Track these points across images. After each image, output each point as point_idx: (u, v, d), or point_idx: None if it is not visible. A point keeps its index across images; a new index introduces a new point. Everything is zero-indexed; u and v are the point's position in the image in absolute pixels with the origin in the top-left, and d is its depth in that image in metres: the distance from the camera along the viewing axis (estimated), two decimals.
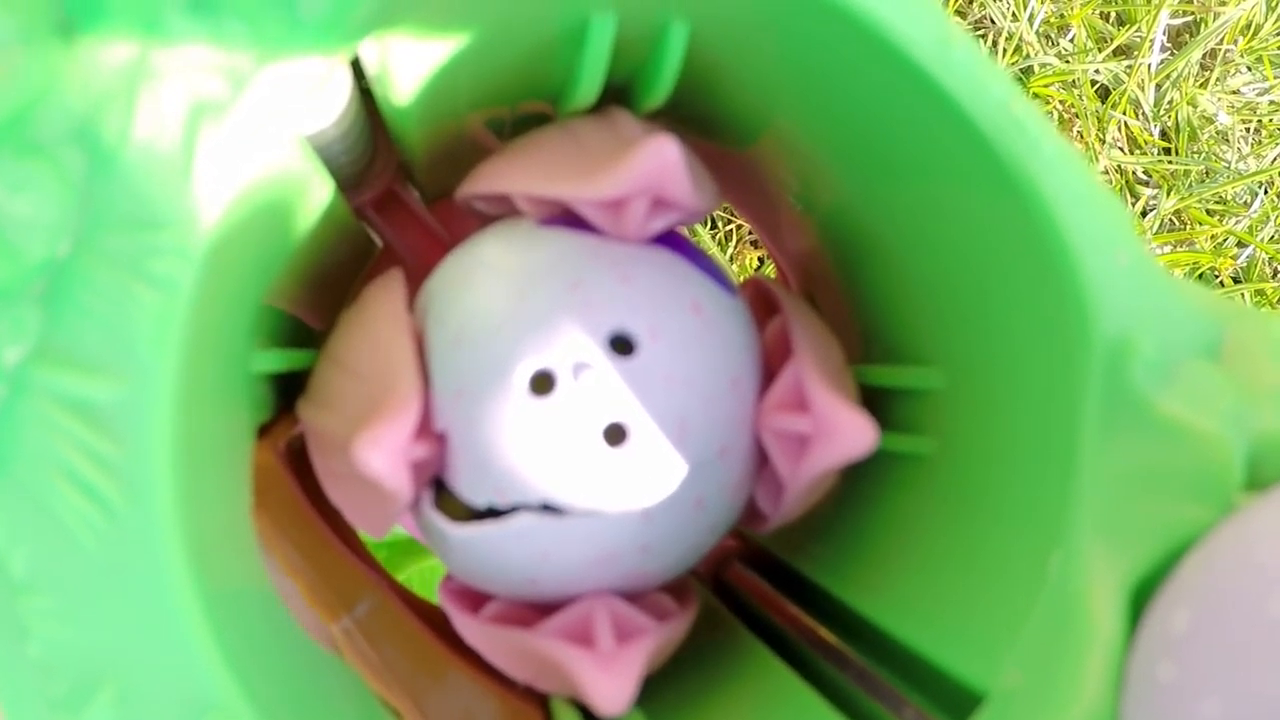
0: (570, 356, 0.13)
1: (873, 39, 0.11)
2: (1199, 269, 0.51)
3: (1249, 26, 0.52)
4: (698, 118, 0.16)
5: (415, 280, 0.15)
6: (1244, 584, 0.09)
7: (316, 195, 0.14)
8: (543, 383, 0.13)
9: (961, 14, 0.49)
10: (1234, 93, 0.52)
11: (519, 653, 0.14)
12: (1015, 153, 0.11)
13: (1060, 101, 0.50)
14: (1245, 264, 0.52)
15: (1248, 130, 0.53)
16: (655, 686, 0.15)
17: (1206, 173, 0.51)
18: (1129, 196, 0.50)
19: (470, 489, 0.13)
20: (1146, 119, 0.51)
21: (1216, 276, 0.51)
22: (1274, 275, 0.52)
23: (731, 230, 0.45)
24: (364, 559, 0.17)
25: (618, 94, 0.15)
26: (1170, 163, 0.51)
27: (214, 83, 0.10)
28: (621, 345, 0.13)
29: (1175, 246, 0.51)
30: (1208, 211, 0.51)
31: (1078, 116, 0.50)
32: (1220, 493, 0.10)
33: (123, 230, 0.10)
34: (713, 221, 0.44)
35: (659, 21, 0.13)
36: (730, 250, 0.45)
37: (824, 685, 0.14)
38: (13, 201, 0.10)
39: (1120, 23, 0.52)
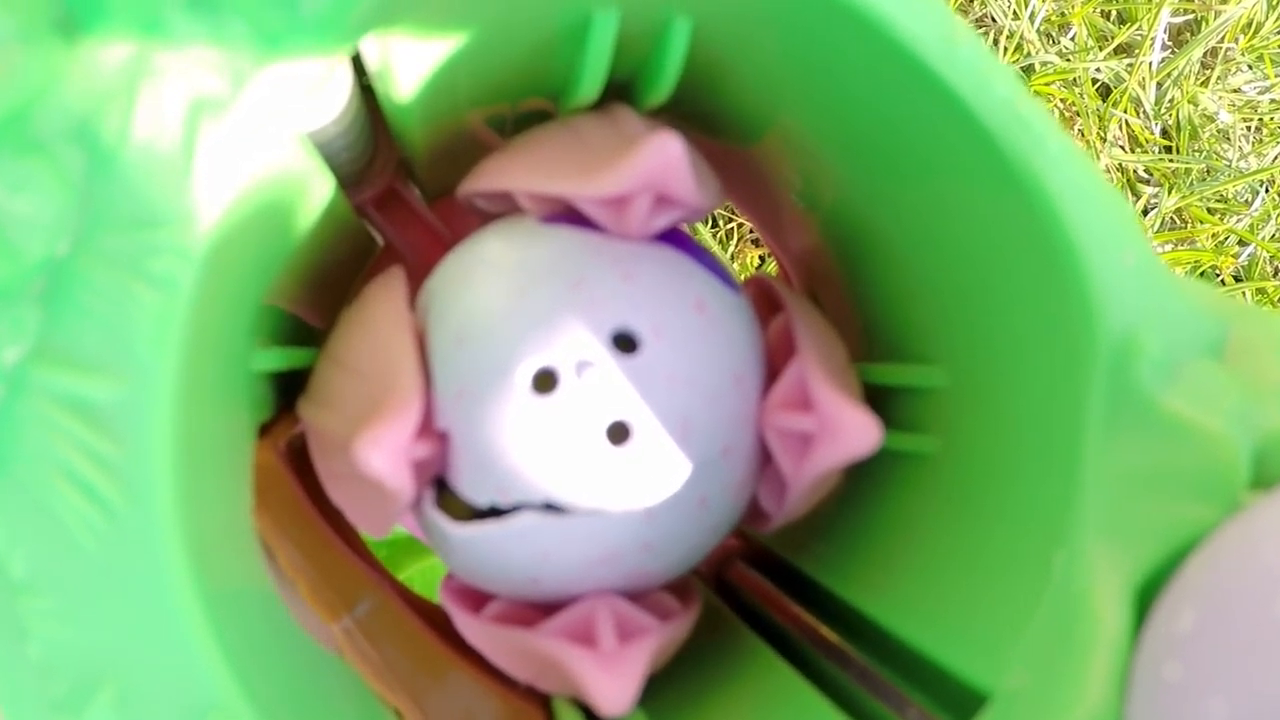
0: (573, 355, 0.13)
1: (877, 35, 0.11)
2: (1200, 267, 0.51)
3: (1250, 25, 0.52)
4: (700, 114, 0.16)
5: (416, 278, 0.15)
6: (1250, 583, 0.09)
7: (317, 193, 0.14)
8: (545, 381, 0.13)
9: (963, 11, 0.49)
10: (1235, 91, 0.52)
11: (521, 652, 0.14)
12: (1020, 150, 0.11)
13: (1061, 100, 0.50)
14: (1246, 262, 0.52)
15: (1249, 129, 0.53)
16: (657, 686, 0.15)
17: (1208, 171, 0.51)
18: (1130, 195, 0.50)
19: (472, 488, 0.13)
20: (1147, 117, 0.51)
21: (1218, 275, 0.51)
22: (1275, 274, 0.52)
23: (733, 228, 0.45)
24: (365, 558, 0.17)
25: (620, 91, 0.15)
26: (1171, 161, 0.51)
27: (214, 81, 0.10)
28: (624, 343, 0.13)
29: (1176, 245, 0.51)
30: (1209, 210, 0.51)
31: (1079, 115, 0.50)
32: (1225, 492, 0.10)
33: (122, 229, 0.10)
34: (714, 219, 0.44)
35: (661, 17, 0.13)
36: (731, 248, 0.44)
37: (826, 685, 0.14)
38: (12, 200, 0.10)
39: (1121, 21, 0.52)
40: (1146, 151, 0.51)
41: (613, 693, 0.13)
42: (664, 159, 0.13)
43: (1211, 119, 0.52)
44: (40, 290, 0.10)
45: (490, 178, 0.15)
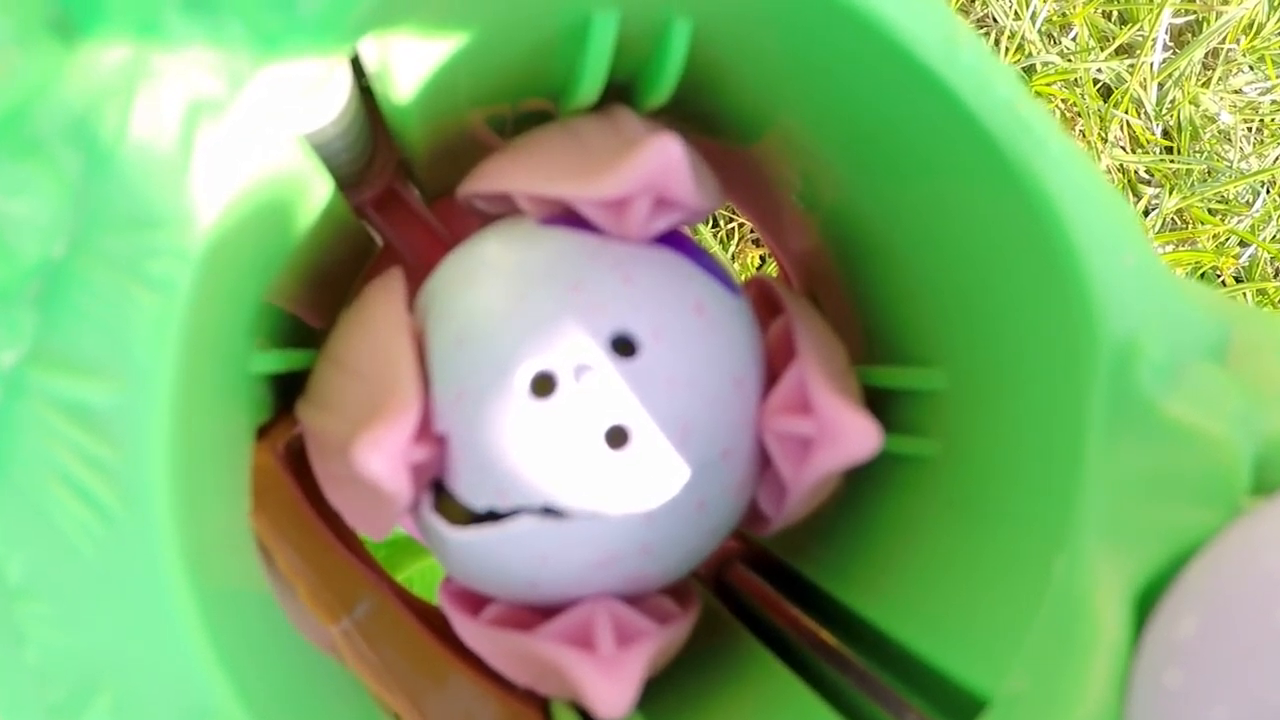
0: (572, 358, 0.13)
1: (878, 36, 0.11)
2: (1201, 268, 0.51)
3: (1251, 25, 0.52)
4: (701, 115, 0.16)
5: (415, 279, 0.15)
6: (1251, 589, 0.09)
7: (316, 194, 0.14)
8: (544, 384, 0.13)
9: (964, 12, 0.49)
10: (1236, 92, 0.52)
11: (519, 656, 0.14)
12: (1021, 152, 0.11)
13: (1062, 100, 0.50)
14: (1247, 263, 0.52)
15: (1250, 129, 0.52)
16: (656, 689, 0.15)
17: (1209, 172, 0.51)
18: (1131, 195, 0.50)
19: (471, 492, 0.13)
20: (1148, 118, 0.51)
21: (1219, 276, 0.51)
22: (1276, 275, 0.52)
23: (733, 229, 0.45)
24: (363, 560, 0.17)
25: (620, 92, 0.15)
26: (1172, 162, 0.51)
27: (212, 82, 0.10)
28: (623, 346, 0.13)
29: (1177, 246, 0.51)
30: (1210, 211, 0.51)
31: (1080, 115, 0.50)
32: (1227, 496, 0.10)
33: (120, 230, 0.10)
34: (714, 219, 0.44)
35: (661, 18, 0.13)
36: (732, 249, 0.44)
37: (826, 688, 0.14)
38: (8, 202, 0.09)
39: (1122, 21, 0.51)
40: (1147, 152, 0.51)
41: (611, 696, 0.13)
42: (664, 161, 0.13)
43: (1213, 120, 0.52)
44: (37, 292, 0.10)
45: (490, 179, 0.15)
